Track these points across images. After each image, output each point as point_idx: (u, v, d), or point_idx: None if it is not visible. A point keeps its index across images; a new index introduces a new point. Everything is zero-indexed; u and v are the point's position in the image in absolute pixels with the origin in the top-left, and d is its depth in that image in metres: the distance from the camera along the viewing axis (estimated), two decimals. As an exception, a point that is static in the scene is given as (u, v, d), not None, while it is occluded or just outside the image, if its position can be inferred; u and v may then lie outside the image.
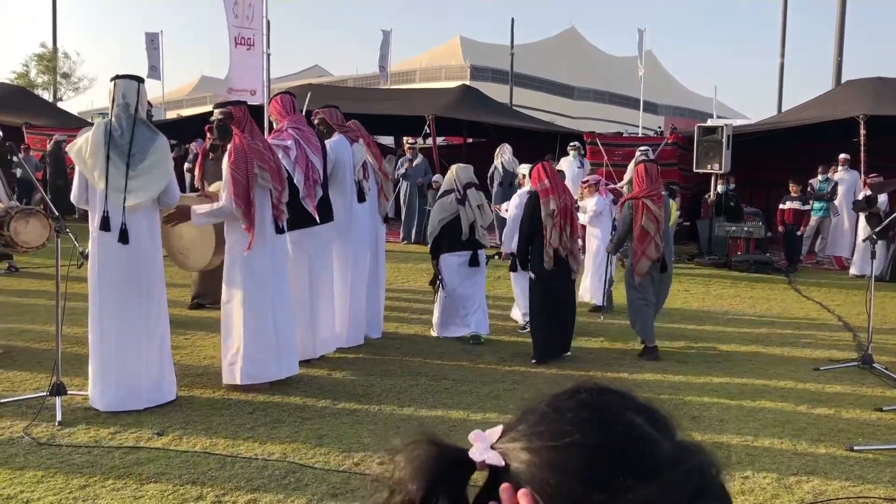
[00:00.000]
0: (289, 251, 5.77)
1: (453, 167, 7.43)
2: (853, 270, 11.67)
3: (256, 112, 5.99)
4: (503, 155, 13.54)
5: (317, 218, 6.02)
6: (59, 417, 4.70)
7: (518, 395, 5.49)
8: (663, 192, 6.80)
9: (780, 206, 12.38)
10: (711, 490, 0.69)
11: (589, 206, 8.69)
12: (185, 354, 6.30)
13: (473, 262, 7.13)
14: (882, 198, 11.28)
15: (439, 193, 7.40)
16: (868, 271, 11.14)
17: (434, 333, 7.28)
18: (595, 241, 8.80)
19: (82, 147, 4.93)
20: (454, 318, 7.19)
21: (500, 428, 0.75)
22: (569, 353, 6.66)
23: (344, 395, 5.40)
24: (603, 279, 8.42)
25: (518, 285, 7.53)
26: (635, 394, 0.76)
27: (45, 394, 4.89)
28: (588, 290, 8.81)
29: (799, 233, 12.17)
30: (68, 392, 4.95)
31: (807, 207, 12.15)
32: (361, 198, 6.77)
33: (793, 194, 12.16)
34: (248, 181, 5.25)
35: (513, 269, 7.31)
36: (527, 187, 7.55)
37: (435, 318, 7.31)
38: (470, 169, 7.44)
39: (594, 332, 7.61)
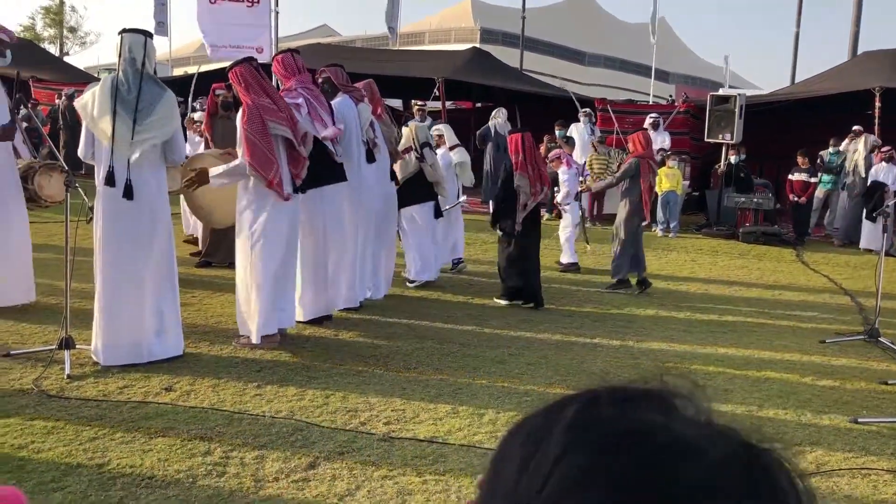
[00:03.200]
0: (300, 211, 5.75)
1: (412, 125, 7.80)
2: (862, 244, 11.63)
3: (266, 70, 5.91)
4: (497, 118, 13.57)
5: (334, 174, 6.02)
6: (67, 370, 4.73)
7: (523, 361, 5.52)
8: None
9: (789, 177, 12.31)
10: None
11: (561, 180, 9.29)
12: (193, 312, 6.32)
13: (438, 213, 7.70)
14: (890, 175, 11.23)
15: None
16: (875, 246, 11.22)
17: (411, 279, 7.67)
18: (563, 209, 9.42)
19: (89, 102, 4.90)
20: (427, 263, 7.68)
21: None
22: (543, 307, 7.10)
23: (350, 356, 5.43)
24: (571, 240, 9.20)
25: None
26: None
27: (54, 347, 4.92)
28: (564, 252, 9.28)
29: (801, 201, 12.11)
30: (77, 346, 4.98)
31: (814, 180, 12.07)
32: (371, 158, 6.70)
33: (801, 166, 12.08)
34: (264, 137, 5.20)
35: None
36: (443, 149, 8.41)
37: (412, 266, 7.69)
38: (426, 129, 7.96)
39: (599, 300, 7.62)
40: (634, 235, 7.90)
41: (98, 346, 4.95)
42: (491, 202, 9.22)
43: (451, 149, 8.74)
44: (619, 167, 8.40)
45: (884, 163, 11.61)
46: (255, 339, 5.40)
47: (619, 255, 7.96)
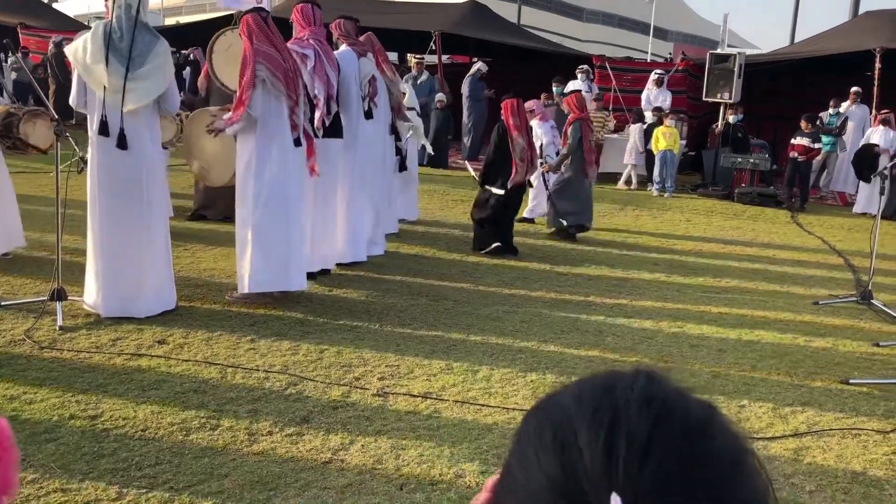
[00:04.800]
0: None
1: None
2: (857, 208, 11.61)
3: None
4: (472, 72, 13.69)
5: (318, 134, 5.89)
6: (59, 322, 4.70)
7: (518, 318, 5.52)
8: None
9: (792, 140, 12.16)
10: None
11: (539, 133, 9.28)
12: (186, 265, 6.28)
13: (402, 167, 7.95)
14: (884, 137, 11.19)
15: None
16: (871, 210, 11.18)
17: None
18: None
19: (80, 49, 4.78)
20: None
21: (616, 499, 0.53)
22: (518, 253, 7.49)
23: (345, 312, 5.41)
24: (542, 195, 9.23)
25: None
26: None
27: (45, 298, 4.88)
28: (531, 207, 9.32)
29: (799, 158, 11.83)
30: (69, 297, 4.95)
31: (818, 145, 11.87)
32: (368, 115, 6.59)
33: (804, 130, 11.90)
34: (253, 83, 5.11)
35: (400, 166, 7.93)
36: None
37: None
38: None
39: (593, 260, 7.61)
40: (583, 190, 8.28)
41: (98, 298, 4.91)
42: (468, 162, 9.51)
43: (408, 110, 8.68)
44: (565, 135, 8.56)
45: (881, 126, 11.52)
46: (242, 289, 5.37)
47: (559, 206, 8.27)
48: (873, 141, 11.38)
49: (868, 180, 11.19)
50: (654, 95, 13.35)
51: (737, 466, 0.56)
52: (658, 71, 13.78)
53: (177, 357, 4.37)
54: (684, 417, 0.57)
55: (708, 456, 0.55)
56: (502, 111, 7.49)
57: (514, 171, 7.25)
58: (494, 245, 7.39)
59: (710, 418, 0.58)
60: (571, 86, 13.44)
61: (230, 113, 5.26)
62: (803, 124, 11.90)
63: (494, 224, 7.44)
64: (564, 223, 8.31)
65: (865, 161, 11.04)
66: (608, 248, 8.18)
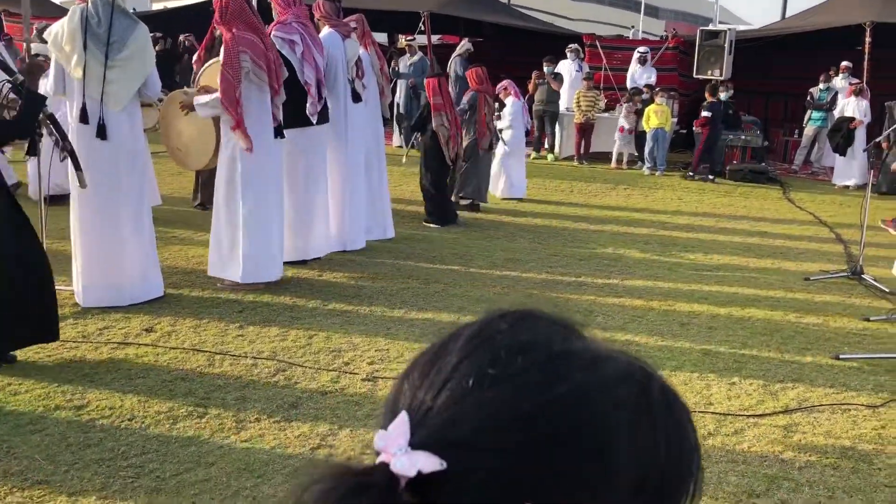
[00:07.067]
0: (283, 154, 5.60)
1: None
2: (835, 180, 11.62)
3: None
4: (458, 54, 13.54)
5: (314, 119, 5.83)
6: (46, 312, 4.66)
7: (509, 299, 5.49)
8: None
9: None
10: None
11: (506, 110, 9.38)
12: (174, 253, 6.24)
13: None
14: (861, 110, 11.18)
15: None
16: (849, 181, 11.19)
17: None
18: (510, 140, 9.41)
19: (58, 34, 4.71)
20: None
21: (403, 417, 0.52)
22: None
23: (334, 297, 5.38)
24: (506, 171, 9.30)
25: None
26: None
27: (31, 289, 4.82)
28: (511, 185, 9.31)
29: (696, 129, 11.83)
30: (56, 287, 4.89)
31: (704, 114, 11.64)
32: (356, 98, 6.53)
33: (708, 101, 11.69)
34: (237, 75, 4.99)
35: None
36: None
37: None
38: None
39: (585, 241, 7.58)
40: (477, 161, 8.29)
41: (78, 287, 4.88)
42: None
43: None
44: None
45: (853, 96, 11.46)
46: (235, 279, 5.33)
47: (463, 178, 8.33)
48: (847, 112, 11.37)
49: (843, 153, 11.22)
50: (638, 73, 13.27)
51: (547, 387, 0.53)
52: (641, 49, 13.68)
53: (164, 345, 4.35)
54: (504, 343, 0.55)
55: (512, 374, 0.53)
56: (426, 90, 7.67)
57: (441, 142, 7.44)
58: (434, 223, 7.66)
59: (536, 342, 0.56)
60: (561, 65, 13.36)
61: (207, 96, 5.14)
62: (707, 95, 11.73)
63: (439, 190, 7.68)
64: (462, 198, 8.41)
65: (841, 133, 11.07)
66: (599, 226, 8.15)
